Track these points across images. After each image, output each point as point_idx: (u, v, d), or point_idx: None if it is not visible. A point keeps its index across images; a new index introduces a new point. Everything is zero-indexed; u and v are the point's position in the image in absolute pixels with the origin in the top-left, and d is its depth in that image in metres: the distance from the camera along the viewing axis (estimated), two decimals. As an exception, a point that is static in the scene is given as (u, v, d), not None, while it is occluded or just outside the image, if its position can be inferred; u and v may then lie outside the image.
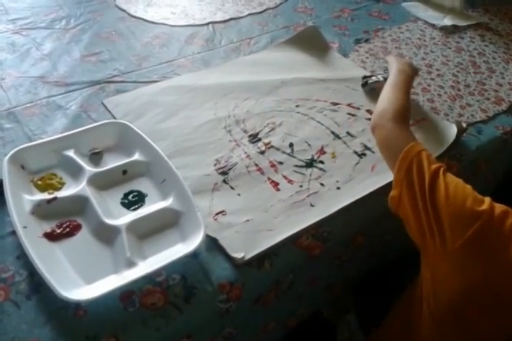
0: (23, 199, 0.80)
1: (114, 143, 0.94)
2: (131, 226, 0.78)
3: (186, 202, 0.81)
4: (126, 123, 0.94)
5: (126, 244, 0.75)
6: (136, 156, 0.90)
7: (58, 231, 0.78)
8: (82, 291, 0.68)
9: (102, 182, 0.86)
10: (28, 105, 1.05)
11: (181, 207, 0.82)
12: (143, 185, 0.88)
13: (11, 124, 0.99)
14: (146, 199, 0.85)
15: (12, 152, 0.85)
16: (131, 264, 0.73)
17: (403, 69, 1.00)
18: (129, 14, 1.42)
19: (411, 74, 1.01)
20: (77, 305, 0.69)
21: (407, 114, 0.86)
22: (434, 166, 0.71)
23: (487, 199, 0.66)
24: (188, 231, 0.78)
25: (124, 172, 0.88)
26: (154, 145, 0.89)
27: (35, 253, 0.70)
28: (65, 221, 0.80)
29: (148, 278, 0.73)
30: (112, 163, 0.89)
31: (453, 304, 0.66)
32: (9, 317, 0.68)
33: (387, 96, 0.90)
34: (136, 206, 0.84)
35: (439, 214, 0.66)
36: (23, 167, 0.86)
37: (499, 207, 0.65)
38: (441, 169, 0.70)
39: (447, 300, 0.67)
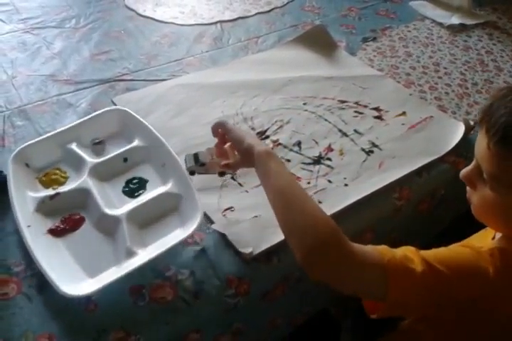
0: (28, 198, 0.81)
1: (115, 131, 0.94)
2: (131, 215, 0.78)
3: (185, 185, 0.81)
4: (126, 109, 0.94)
5: (126, 233, 0.75)
6: (136, 142, 0.90)
7: (62, 226, 0.79)
8: (85, 285, 0.69)
9: (104, 173, 0.86)
10: (38, 103, 1.06)
11: (180, 190, 0.82)
12: (144, 171, 0.88)
13: (22, 122, 1.01)
14: (148, 185, 0.86)
15: (15, 151, 0.86)
16: (131, 254, 0.73)
17: (266, 151, 0.69)
18: (138, 13, 1.43)
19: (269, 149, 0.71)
20: (87, 299, 0.69)
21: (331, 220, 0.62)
22: (418, 265, 0.58)
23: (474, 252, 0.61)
24: (186, 216, 0.78)
25: (125, 159, 0.89)
26: (152, 129, 0.89)
27: (39, 252, 0.70)
28: (68, 215, 0.80)
29: (158, 273, 0.74)
30: (114, 151, 0.90)
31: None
32: (21, 310, 0.69)
33: (293, 216, 0.62)
34: (138, 193, 0.84)
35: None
36: (27, 165, 0.87)
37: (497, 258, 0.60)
38: (416, 253, 0.60)
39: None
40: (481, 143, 0.60)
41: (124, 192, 0.85)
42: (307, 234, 0.60)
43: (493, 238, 0.69)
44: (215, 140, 0.98)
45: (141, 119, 0.91)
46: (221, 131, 0.77)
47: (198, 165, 0.77)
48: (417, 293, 0.58)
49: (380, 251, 0.60)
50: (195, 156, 0.79)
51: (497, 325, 0.62)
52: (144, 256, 0.72)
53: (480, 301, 0.59)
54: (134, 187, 0.85)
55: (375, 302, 0.63)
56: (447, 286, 0.58)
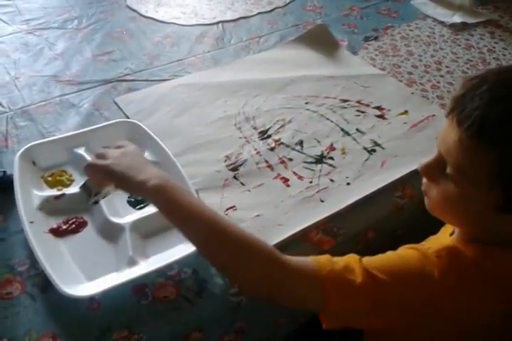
0: (32, 195, 0.81)
1: None
2: (136, 225, 0.78)
3: None
4: (137, 122, 0.95)
5: (129, 242, 0.75)
6: (145, 156, 0.90)
7: (64, 227, 0.79)
8: (83, 287, 0.69)
9: None
10: (41, 103, 1.07)
11: None
12: None
13: (25, 122, 1.01)
14: None
15: (24, 148, 0.86)
16: (132, 263, 0.73)
17: (159, 186, 0.62)
18: (140, 14, 1.44)
19: (165, 179, 0.64)
20: (90, 298, 0.70)
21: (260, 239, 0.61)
22: (358, 275, 0.57)
23: (415, 253, 0.60)
24: None
25: None
26: (163, 145, 0.90)
27: (40, 248, 0.71)
28: (71, 217, 0.81)
29: (161, 272, 0.74)
30: None
31: None
32: (25, 310, 0.69)
33: (221, 244, 0.60)
34: (142, 205, 0.85)
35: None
36: (34, 163, 0.87)
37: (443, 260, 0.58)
38: (359, 262, 0.59)
39: None
40: (450, 135, 0.55)
41: (129, 203, 0.85)
42: (242, 260, 0.59)
43: (452, 233, 0.67)
44: (218, 140, 0.99)
45: (153, 135, 0.92)
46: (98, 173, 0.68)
47: (94, 195, 0.73)
48: (359, 304, 0.57)
49: (321, 263, 0.59)
50: (87, 187, 0.72)
51: (452, 328, 0.60)
52: (145, 266, 0.73)
53: (431, 305, 0.57)
54: (139, 199, 0.85)
55: None
56: (391, 294, 0.57)
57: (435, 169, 0.59)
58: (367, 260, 0.60)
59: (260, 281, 0.60)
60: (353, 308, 0.58)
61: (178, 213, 0.62)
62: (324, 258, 0.60)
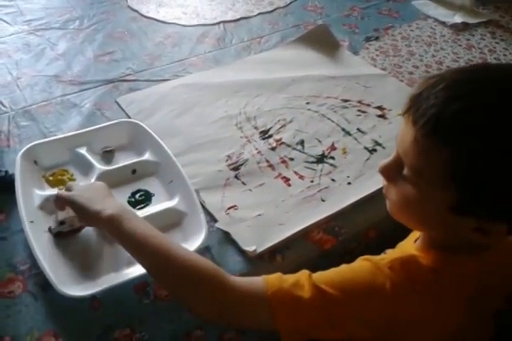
0: (34, 194, 0.82)
1: (126, 142, 0.95)
2: None
3: (191, 203, 0.82)
4: (139, 122, 0.96)
5: None
6: (147, 156, 0.91)
7: None
8: (82, 287, 0.69)
9: (111, 181, 0.86)
10: (43, 103, 1.07)
11: (186, 208, 0.82)
12: (151, 184, 0.89)
13: (27, 122, 1.01)
14: (153, 198, 0.86)
15: (26, 147, 0.87)
16: (132, 262, 0.72)
17: (114, 215, 0.66)
18: (141, 14, 1.44)
19: (119, 210, 0.68)
20: (92, 297, 0.70)
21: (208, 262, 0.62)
22: (307, 291, 0.56)
23: (367, 265, 0.59)
24: (190, 233, 0.79)
25: (134, 171, 0.89)
26: (164, 145, 0.90)
27: (40, 248, 0.71)
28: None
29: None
30: (123, 161, 0.91)
31: None
32: (27, 308, 0.69)
33: (172, 272, 0.62)
34: (143, 205, 0.85)
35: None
36: (35, 162, 0.88)
37: (396, 273, 0.57)
38: (308, 278, 0.58)
39: None
40: (406, 135, 0.53)
41: (129, 203, 0.85)
42: (188, 286, 0.60)
43: (417, 240, 0.65)
44: (219, 140, 0.99)
45: (154, 134, 0.92)
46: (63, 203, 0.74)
47: (58, 224, 0.77)
48: (311, 319, 0.56)
49: (269, 282, 0.59)
50: (56, 216, 0.78)
51: (421, 334, 0.58)
52: None
53: (388, 318, 0.56)
54: (139, 199, 0.86)
55: None
56: (343, 309, 0.56)
57: (394, 170, 0.58)
58: (317, 275, 0.59)
59: (208, 307, 0.59)
60: (306, 324, 0.57)
61: (128, 241, 0.65)
62: (274, 277, 0.60)
